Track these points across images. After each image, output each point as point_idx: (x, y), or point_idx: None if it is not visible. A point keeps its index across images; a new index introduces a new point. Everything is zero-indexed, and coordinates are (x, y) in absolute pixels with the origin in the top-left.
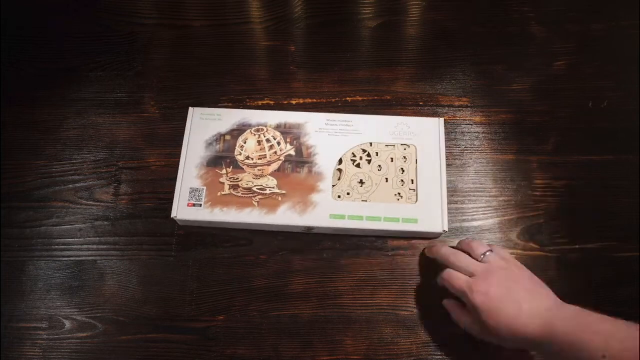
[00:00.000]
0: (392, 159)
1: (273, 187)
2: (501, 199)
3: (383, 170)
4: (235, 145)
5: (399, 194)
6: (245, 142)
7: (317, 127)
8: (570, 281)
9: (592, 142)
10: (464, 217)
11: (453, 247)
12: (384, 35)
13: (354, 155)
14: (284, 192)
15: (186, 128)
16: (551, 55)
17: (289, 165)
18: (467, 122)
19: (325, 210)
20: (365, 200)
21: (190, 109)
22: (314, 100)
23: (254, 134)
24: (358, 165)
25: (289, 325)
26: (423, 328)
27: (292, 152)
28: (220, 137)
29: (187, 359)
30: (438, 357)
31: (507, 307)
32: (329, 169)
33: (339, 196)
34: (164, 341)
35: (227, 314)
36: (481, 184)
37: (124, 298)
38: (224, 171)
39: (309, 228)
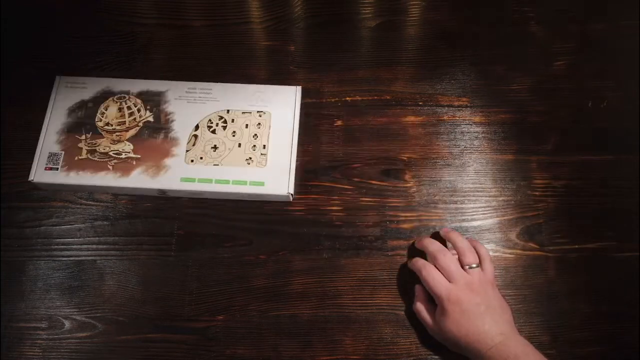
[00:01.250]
0: (247, 125)
1: (129, 152)
2: (501, 199)
3: (237, 136)
4: (97, 112)
5: (250, 158)
6: (106, 109)
7: (178, 95)
8: (570, 281)
9: (592, 142)
10: (463, 217)
11: (444, 246)
12: (384, 35)
13: (211, 122)
14: (138, 156)
15: (51, 96)
16: (551, 55)
17: (147, 131)
18: (467, 122)
19: (177, 173)
20: (218, 165)
21: (57, 77)
22: (314, 100)
23: (116, 102)
24: (214, 132)
25: (289, 325)
26: (423, 328)
27: (151, 119)
28: (83, 104)
29: (187, 359)
30: (438, 357)
31: (473, 323)
32: (185, 135)
33: (192, 160)
34: (164, 341)
35: (227, 314)
36: (481, 184)
37: (123, 298)
38: (82, 137)
39: (162, 192)
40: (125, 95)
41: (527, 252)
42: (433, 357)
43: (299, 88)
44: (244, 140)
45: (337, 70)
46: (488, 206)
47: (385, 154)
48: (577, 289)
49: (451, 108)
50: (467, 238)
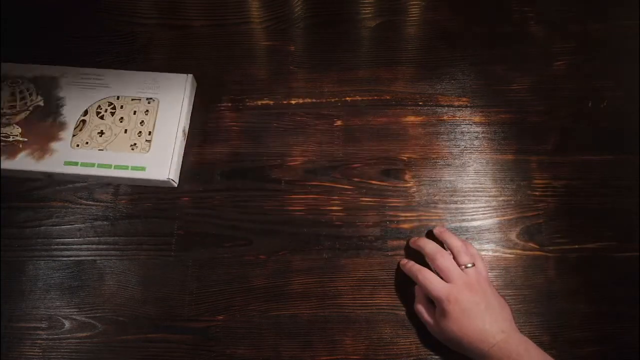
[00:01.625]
0: (135, 112)
1: (17, 135)
2: (501, 199)
3: (124, 122)
4: None
5: (134, 144)
6: None
7: (71, 81)
8: (570, 281)
9: (592, 142)
10: (463, 217)
11: (440, 246)
12: (384, 35)
13: (100, 108)
14: (25, 139)
15: None
16: (551, 55)
17: (36, 116)
18: (467, 122)
19: (62, 157)
20: (102, 150)
21: None
22: (314, 100)
23: (10, 86)
24: (102, 117)
25: (289, 325)
26: (423, 328)
27: (41, 104)
28: None
29: (187, 359)
30: (437, 357)
31: (473, 322)
32: (73, 120)
33: (77, 145)
34: (164, 341)
35: (227, 314)
36: (481, 184)
37: (123, 298)
38: None
39: (48, 174)
40: (20, 80)
41: (527, 252)
42: (433, 357)
43: (190, 76)
44: (130, 127)
45: (337, 70)
46: (488, 206)
47: (385, 154)
48: (577, 289)
49: (451, 108)
50: (458, 239)
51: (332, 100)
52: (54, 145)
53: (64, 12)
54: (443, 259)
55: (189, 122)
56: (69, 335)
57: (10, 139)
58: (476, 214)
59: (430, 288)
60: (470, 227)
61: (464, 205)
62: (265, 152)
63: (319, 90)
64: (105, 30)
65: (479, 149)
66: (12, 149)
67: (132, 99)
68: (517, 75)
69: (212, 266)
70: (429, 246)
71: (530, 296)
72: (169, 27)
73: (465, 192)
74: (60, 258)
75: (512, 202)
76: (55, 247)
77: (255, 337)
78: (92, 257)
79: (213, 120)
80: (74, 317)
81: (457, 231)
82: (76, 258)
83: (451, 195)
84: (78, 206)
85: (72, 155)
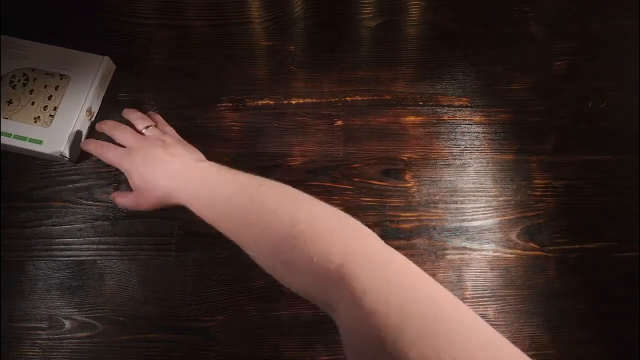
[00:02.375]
0: (45, 86)
1: None
2: (501, 199)
3: (34, 94)
4: None
5: (38, 117)
6: None
7: None
8: (570, 281)
9: (592, 142)
10: (464, 217)
11: (118, 122)
12: (384, 35)
13: (15, 77)
14: None
15: None
16: (551, 55)
17: None
18: (467, 122)
19: None
20: (7, 118)
21: None
22: (314, 100)
23: None
24: (14, 87)
25: (289, 325)
26: None
27: None
28: None
29: (187, 359)
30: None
31: (151, 170)
32: None
33: None
34: (164, 341)
35: (227, 314)
36: (481, 184)
37: (123, 298)
38: None
39: None
40: None
41: (527, 252)
42: None
43: (105, 58)
44: (38, 100)
45: (337, 70)
46: (488, 206)
47: (385, 154)
48: (577, 289)
49: (451, 108)
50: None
51: (333, 100)
52: None
53: (64, 12)
54: (120, 131)
55: (99, 103)
56: (69, 335)
57: None
58: (476, 214)
59: (112, 158)
60: (471, 227)
61: (464, 205)
62: (266, 152)
63: (319, 90)
64: (105, 30)
65: (479, 149)
66: None
67: (46, 73)
68: (517, 75)
69: (212, 266)
70: (107, 125)
71: (531, 296)
72: (169, 27)
73: (466, 192)
74: (61, 258)
75: (513, 202)
76: (56, 247)
77: (256, 337)
78: (93, 257)
79: (213, 120)
80: (74, 317)
81: (457, 231)
82: (76, 258)
83: (451, 195)
84: (78, 206)
85: None
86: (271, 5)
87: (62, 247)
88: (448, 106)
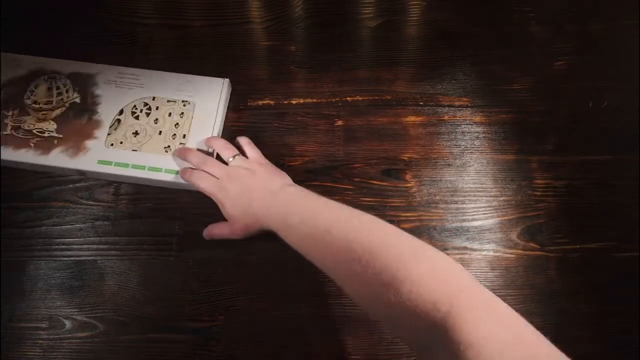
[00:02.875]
0: (170, 114)
1: (52, 131)
2: (502, 199)
3: (159, 123)
4: (26, 89)
5: (168, 146)
6: (36, 88)
7: (108, 79)
8: (570, 281)
9: (592, 142)
10: (464, 217)
11: (201, 151)
12: (384, 35)
13: (135, 108)
14: (60, 136)
15: None
16: (551, 55)
17: (72, 113)
18: (468, 122)
19: (96, 156)
20: (136, 150)
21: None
22: (314, 100)
23: (47, 81)
24: (137, 118)
25: (289, 325)
26: None
27: (78, 101)
28: (14, 81)
29: (187, 359)
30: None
31: (241, 199)
32: (109, 119)
33: (112, 144)
34: (164, 341)
35: (227, 314)
36: (481, 184)
37: (124, 298)
38: (10, 113)
39: (81, 172)
40: (57, 75)
41: (527, 252)
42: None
43: (226, 81)
44: (165, 129)
45: (337, 70)
46: (489, 206)
47: (385, 154)
48: (578, 289)
49: (452, 108)
50: (216, 139)
51: (333, 100)
52: (89, 143)
53: (64, 12)
54: (207, 163)
55: (222, 126)
56: (69, 335)
57: (46, 134)
58: (477, 214)
59: (203, 185)
60: (471, 227)
61: (464, 205)
62: (266, 152)
63: (320, 90)
64: (105, 30)
65: (480, 149)
66: (46, 145)
67: (168, 101)
68: (518, 75)
69: (212, 266)
70: (193, 157)
71: (531, 296)
72: (169, 27)
73: (466, 192)
74: (61, 258)
75: (513, 202)
76: (56, 247)
77: (256, 337)
78: (93, 257)
79: None
80: (74, 317)
81: (457, 231)
82: (77, 258)
83: (452, 195)
84: (79, 206)
85: (106, 154)
86: (271, 5)
87: (63, 247)
88: (448, 106)
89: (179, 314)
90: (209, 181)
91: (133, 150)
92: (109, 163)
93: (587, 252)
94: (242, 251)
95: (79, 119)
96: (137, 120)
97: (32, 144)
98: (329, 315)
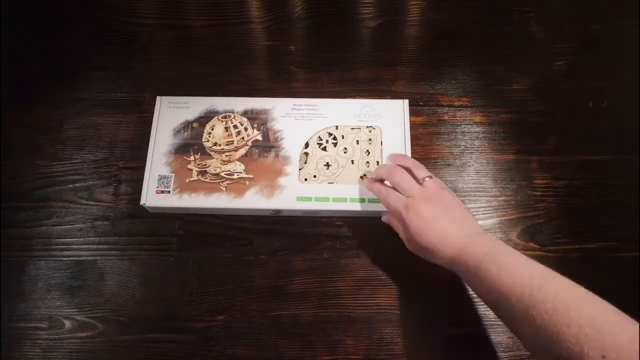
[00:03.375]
0: (357, 141)
1: (241, 172)
2: (501, 199)
3: (349, 152)
4: (203, 132)
5: (364, 175)
6: (212, 129)
7: (284, 112)
8: None
9: (592, 142)
10: None
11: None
12: (384, 35)
13: (320, 139)
14: (251, 176)
15: (154, 117)
16: (551, 55)
17: (257, 151)
18: (467, 122)
19: (293, 193)
20: (332, 183)
21: (158, 98)
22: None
23: (222, 121)
24: (324, 149)
25: (289, 325)
26: (423, 328)
27: (259, 138)
28: (187, 124)
29: (187, 359)
30: (438, 356)
31: (434, 229)
32: (296, 153)
33: (305, 179)
34: (164, 341)
35: (227, 314)
36: (481, 184)
37: (124, 298)
38: (191, 158)
39: (277, 211)
40: (231, 114)
41: (527, 252)
42: (433, 357)
43: (406, 102)
44: (356, 157)
45: (337, 70)
46: (489, 206)
47: None
48: None
49: (452, 108)
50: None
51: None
52: (282, 180)
53: (64, 12)
54: (398, 175)
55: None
56: (69, 335)
57: (235, 176)
58: (477, 214)
59: (392, 202)
60: None
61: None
62: None
63: (320, 90)
64: (105, 30)
65: (480, 149)
66: (239, 187)
67: (352, 128)
68: (517, 75)
69: (212, 266)
70: (384, 169)
71: None
72: (169, 27)
73: (466, 192)
74: (61, 258)
75: (513, 202)
76: (56, 247)
77: (256, 337)
78: (93, 257)
79: None
80: (74, 317)
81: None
82: (77, 258)
83: None
84: (79, 206)
85: (303, 190)
86: (271, 5)
87: (62, 247)
88: (448, 106)
89: (179, 314)
90: (397, 198)
91: (329, 183)
92: (309, 199)
93: (587, 252)
94: (242, 251)
95: (264, 157)
96: (325, 152)
97: (223, 188)
98: (329, 315)
